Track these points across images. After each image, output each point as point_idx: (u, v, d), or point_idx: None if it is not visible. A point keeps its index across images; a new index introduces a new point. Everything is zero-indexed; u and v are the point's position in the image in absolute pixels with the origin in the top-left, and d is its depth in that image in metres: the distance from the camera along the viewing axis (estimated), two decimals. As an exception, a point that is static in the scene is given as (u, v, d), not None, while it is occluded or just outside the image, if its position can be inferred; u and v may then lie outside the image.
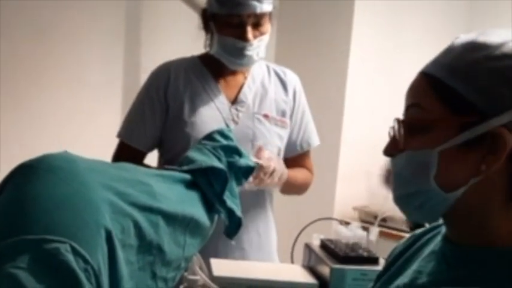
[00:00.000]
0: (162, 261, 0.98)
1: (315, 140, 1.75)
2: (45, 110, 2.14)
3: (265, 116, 1.65)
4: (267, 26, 1.58)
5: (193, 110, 1.61)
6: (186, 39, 2.30)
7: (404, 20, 2.80)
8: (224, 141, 1.27)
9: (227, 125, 1.60)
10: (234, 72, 1.66)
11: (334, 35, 2.79)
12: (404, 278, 0.75)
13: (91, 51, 2.27)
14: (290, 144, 1.71)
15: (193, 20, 2.08)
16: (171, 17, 2.50)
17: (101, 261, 0.81)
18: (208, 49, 1.66)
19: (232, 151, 1.26)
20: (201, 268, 1.22)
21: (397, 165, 0.73)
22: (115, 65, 2.41)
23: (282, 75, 1.72)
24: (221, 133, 1.31)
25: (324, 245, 1.42)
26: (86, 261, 0.78)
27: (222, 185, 1.15)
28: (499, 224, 0.68)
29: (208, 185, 1.14)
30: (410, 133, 0.72)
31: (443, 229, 0.75)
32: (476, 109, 0.67)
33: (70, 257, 0.77)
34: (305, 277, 1.35)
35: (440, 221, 0.76)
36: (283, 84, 1.71)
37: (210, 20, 1.60)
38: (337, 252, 1.33)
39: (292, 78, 1.73)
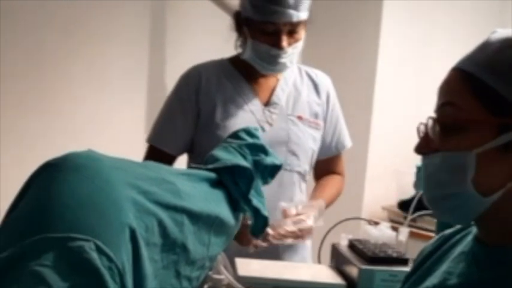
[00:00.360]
0: (186, 260, 0.97)
1: (347, 142, 1.74)
2: (69, 108, 2.16)
3: (299, 118, 1.64)
4: (302, 33, 1.56)
5: (226, 113, 1.60)
6: (211, 38, 2.30)
7: (433, 17, 2.75)
8: (250, 140, 1.26)
9: (262, 128, 1.58)
10: (265, 75, 1.64)
11: (363, 34, 2.76)
12: (433, 279, 0.73)
13: (115, 50, 2.29)
14: (323, 147, 1.69)
15: (219, 19, 2.08)
16: (196, 15, 2.51)
17: (125, 260, 0.81)
18: (239, 50, 1.64)
19: (258, 149, 1.24)
20: (225, 267, 1.21)
21: (430, 166, 0.71)
22: (139, 64, 2.42)
23: (314, 77, 1.71)
24: (247, 131, 1.30)
25: (352, 245, 1.40)
26: (110, 259, 0.78)
27: (248, 184, 1.14)
28: None
29: (234, 183, 1.13)
30: (445, 132, 0.70)
31: (474, 230, 0.73)
32: None
33: (94, 255, 0.77)
34: (332, 278, 1.33)
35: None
36: (316, 87, 1.69)
37: (243, 24, 1.58)
38: (366, 253, 1.30)
39: (325, 80, 1.72)
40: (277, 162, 1.26)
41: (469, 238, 0.73)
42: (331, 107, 1.70)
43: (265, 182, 1.24)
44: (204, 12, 2.47)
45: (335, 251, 1.45)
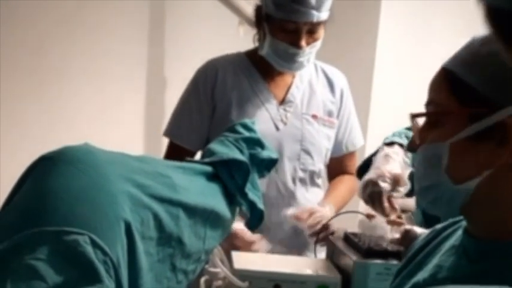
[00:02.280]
0: (182, 254, 0.97)
1: (359, 141, 1.73)
2: (68, 104, 2.16)
3: (314, 117, 1.64)
4: (321, 33, 1.56)
5: (241, 109, 1.60)
6: (211, 35, 2.30)
7: (431, 17, 2.75)
8: (246, 133, 1.26)
9: (276, 126, 1.58)
10: (282, 72, 1.64)
11: (361, 33, 2.76)
12: (424, 273, 0.74)
13: (115, 47, 2.28)
14: (336, 145, 1.69)
15: (219, 16, 2.08)
16: (195, 13, 2.50)
17: (120, 253, 0.82)
18: (257, 45, 1.64)
19: (255, 143, 1.25)
20: (221, 261, 1.21)
21: (415, 161, 0.74)
22: (139, 61, 2.42)
23: (330, 75, 1.70)
24: (243, 125, 1.30)
25: (347, 239, 1.40)
26: (104, 253, 0.78)
27: (244, 177, 1.15)
28: None
29: (230, 177, 1.13)
30: (427, 128, 0.73)
31: (464, 223, 0.74)
32: (486, 101, 0.67)
33: (89, 249, 0.77)
34: (328, 271, 1.34)
35: (461, 216, 0.75)
36: (330, 84, 1.69)
37: (263, 20, 1.57)
38: (361, 246, 1.31)
39: (340, 78, 1.71)
40: (273, 156, 1.26)
41: (460, 232, 0.74)
42: (345, 105, 1.69)
43: (262, 175, 1.25)
44: (204, 9, 2.46)
45: (331, 244, 1.45)
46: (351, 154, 1.73)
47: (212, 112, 1.61)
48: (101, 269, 0.77)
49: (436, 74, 0.74)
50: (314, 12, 1.49)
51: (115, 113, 2.29)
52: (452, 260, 0.72)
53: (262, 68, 1.63)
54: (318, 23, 1.52)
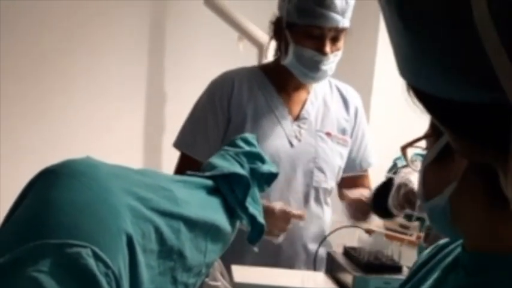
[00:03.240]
0: (183, 267, 0.98)
1: (372, 159, 1.72)
2: (68, 114, 2.17)
3: (328, 134, 1.63)
4: (342, 42, 1.56)
5: (256, 124, 1.58)
6: (210, 45, 2.31)
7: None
8: (247, 147, 1.27)
9: (290, 143, 1.58)
10: (297, 87, 1.63)
11: (361, 38, 2.77)
12: (425, 288, 0.74)
13: (115, 56, 2.30)
14: (349, 163, 1.68)
15: (218, 26, 2.09)
16: (195, 23, 2.52)
17: (122, 266, 0.82)
18: (271, 59, 1.64)
19: (255, 157, 1.25)
20: (222, 274, 1.22)
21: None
22: (138, 70, 2.43)
23: (344, 92, 1.69)
24: (244, 139, 1.30)
25: (346, 253, 1.41)
26: (107, 265, 0.79)
27: (244, 191, 1.15)
28: (497, 228, 0.66)
29: (230, 191, 1.14)
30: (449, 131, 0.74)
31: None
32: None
33: (91, 262, 0.77)
34: (327, 285, 1.34)
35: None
36: (345, 102, 1.68)
37: (285, 29, 1.56)
38: (360, 260, 1.31)
39: (354, 96, 1.70)
40: (273, 170, 1.27)
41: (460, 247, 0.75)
42: (359, 123, 1.68)
43: (262, 189, 1.25)
44: (203, 25, 2.49)
45: (330, 258, 1.46)
46: (365, 172, 1.72)
47: (227, 125, 1.59)
48: (103, 281, 0.78)
49: None
50: (339, 17, 1.49)
51: (115, 127, 2.30)
52: (452, 275, 0.72)
53: (278, 83, 1.62)
54: (341, 30, 1.52)
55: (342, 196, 1.73)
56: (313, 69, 1.54)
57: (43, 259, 0.76)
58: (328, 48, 1.52)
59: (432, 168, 0.69)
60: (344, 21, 1.51)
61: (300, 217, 1.43)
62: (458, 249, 0.76)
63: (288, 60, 1.56)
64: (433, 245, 0.84)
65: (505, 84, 0.29)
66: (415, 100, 0.40)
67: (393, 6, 0.35)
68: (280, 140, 1.55)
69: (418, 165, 1.17)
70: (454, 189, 0.67)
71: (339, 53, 1.56)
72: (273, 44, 2.22)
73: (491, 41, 0.29)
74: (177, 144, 1.65)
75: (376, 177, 2.29)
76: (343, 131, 1.66)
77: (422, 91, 0.38)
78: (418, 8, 0.33)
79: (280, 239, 1.42)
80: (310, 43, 1.52)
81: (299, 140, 1.59)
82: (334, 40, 1.53)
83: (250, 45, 2.30)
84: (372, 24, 2.69)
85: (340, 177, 1.68)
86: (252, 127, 1.57)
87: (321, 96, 1.66)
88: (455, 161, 0.66)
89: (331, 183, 1.65)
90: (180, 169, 1.60)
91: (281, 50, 1.60)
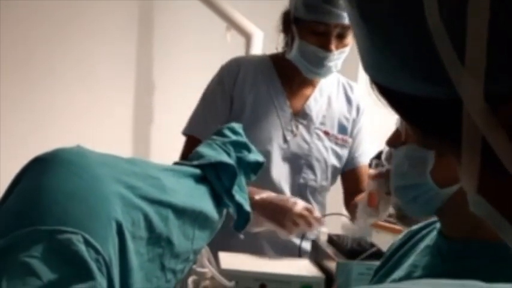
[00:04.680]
0: (171, 254, 1.00)
1: (368, 158, 1.69)
2: (58, 105, 2.18)
3: (326, 133, 1.62)
4: (350, 39, 1.55)
5: (254, 112, 1.59)
6: (199, 37, 2.33)
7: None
8: (233, 137, 1.29)
9: (284, 137, 1.58)
10: (303, 82, 1.62)
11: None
12: (400, 272, 0.77)
13: (104, 48, 2.31)
14: (349, 160, 1.67)
15: (207, 18, 2.10)
16: (184, 15, 2.53)
17: (112, 252, 0.84)
18: (282, 50, 1.62)
19: (242, 146, 1.28)
20: (209, 261, 1.24)
21: (397, 157, 0.75)
22: (127, 61, 2.44)
23: (349, 91, 1.68)
24: (231, 129, 1.33)
25: (331, 240, 1.44)
26: (97, 251, 0.81)
27: (231, 180, 1.17)
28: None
29: (217, 179, 1.16)
30: (411, 127, 0.73)
31: (438, 225, 0.77)
32: None
33: (82, 248, 0.79)
34: (312, 271, 1.37)
35: (435, 218, 0.78)
36: (349, 101, 1.67)
37: (292, 23, 1.56)
38: (344, 247, 1.35)
39: (358, 95, 1.69)
40: (259, 159, 1.29)
41: (434, 233, 0.77)
42: (361, 123, 1.67)
43: (248, 178, 1.28)
44: (192, 11, 2.49)
45: (315, 245, 1.49)
46: (361, 168, 1.70)
47: (231, 106, 1.60)
48: (94, 266, 0.80)
49: None
50: (345, 14, 1.50)
51: (104, 117, 2.31)
52: (427, 260, 0.74)
53: (285, 75, 1.62)
54: (348, 27, 1.51)
55: (347, 205, 1.72)
56: (317, 65, 1.54)
57: (35, 245, 0.78)
58: (333, 45, 1.52)
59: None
60: None
61: (319, 221, 1.44)
62: (432, 235, 0.78)
63: (292, 55, 1.57)
64: (406, 230, 0.87)
65: (455, 80, 0.31)
66: (378, 94, 0.42)
67: None
68: (275, 132, 1.55)
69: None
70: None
71: (346, 49, 1.55)
72: (261, 35, 2.24)
73: (442, 38, 0.31)
74: (188, 129, 1.64)
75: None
76: (344, 131, 1.65)
77: (382, 85, 0.39)
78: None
79: (291, 236, 1.43)
80: (315, 39, 1.52)
81: (294, 135, 1.59)
82: (340, 37, 1.53)
83: (238, 36, 2.31)
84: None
85: (339, 177, 1.67)
86: (250, 114, 1.58)
87: (326, 94, 1.65)
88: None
89: (321, 183, 1.64)
90: (187, 154, 1.61)
91: (288, 44, 1.60)
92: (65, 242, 0.79)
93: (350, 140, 1.66)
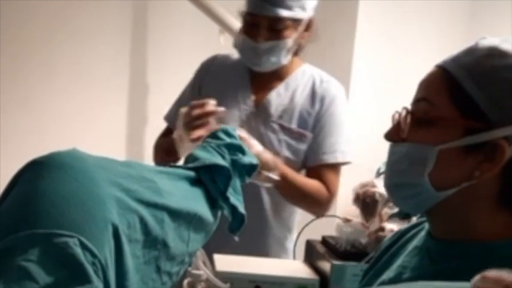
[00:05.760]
0: (166, 256, 1.00)
1: (341, 156, 1.65)
2: (52, 105, 2.18)
3: (282, 127, 1.63)
4: (288, 32, 1.56)
5: (218, 101, 1.57)
6: (192, 37, 2.33)
7: (407, 17, 2.81)
8: (228, 139, 1.30)
9: (240, 127, 1.57)
10: (271, 76, 1.65)
11: (339, 32, 2.81)
12: (390, 273, 0.78)
13: (98, 48, 2.31)
14: (311, 156, 1.66)
15: (200, 18, 2.11)
16: (177, 15, 2.53)
17: (108, 255, 0.84)
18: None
19: (236, 149, 1.28)
20: (204, 263, 1.25)
21: (395, 153, 0.75)
22: (121, 62, 2.44)
23: (317, 85, 1.66)
24: (225, 131, 1.34)
25: (325, 242, 1.45)
26: (93, 255, 0.81)
27: (226, 182, 1.18)
28: (482, 223, 0.70)
29: (212, 182, 1.16)
30: (416, 125, 0.73)
31: (427, 225, 0.78)
32: (484, 116, 0.68)
33: (78, 251, 0.80)
34: (306, 273, 1.38)
35: (424, 218, 0.79)
36: (313, 95, 1.66)
37: (240, 16, 1.66)
38: (338, 249, 1.35)
39: (326, 88, 1.67)
40: (254, 161, 1.30)
41: (423, 233, 0.78)
42: (325, 117, 1.65)
43: (243, 180, 1.28)
44: (185, 11, 2.50)
45: (309, 247, 1.50)
46: (325, 168, 1.67)
47: (198, 96, 1.65)
48: (90, 270, 0.80)
49: (433, 72, 0.74)
50: (273, 7, 1.52)
51: (98, 118, 2.31)
52: (416, 261, 0.75)
53: (255, 71, 1.67)
54: (278, 20, 1.53)
55: None
56: (248, 55, 1.59)
57: (31, 248, 0.78)
58: (260, 36, 1.55)
59: (450, 156, 0.69)
60: (279, 11, 1.52)
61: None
62: (420, 235, 0.79)
63: (236, 47, 1.65)
64: (395, 231, 0.87)
65: None
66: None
67: None
68: (232, 121, 1.59)
69: None
70: (469, 185, 0.68)
71: (282, 43, 1.56)
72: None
73: None
74: (164, 117, 1.76)
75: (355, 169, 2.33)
76: (304, 126, 1.64)
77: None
78: None
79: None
80: (247, 30, 1.59)
81: (249, 126, 1.60)
82: (274, 29, 1.55)
83: (231, 39, 2.32)
84: (350, 16, 2.72)
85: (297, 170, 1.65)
86: (211, 94, 1.59)
87: (292, 88, 1.67)
88: (467, 160, 0.68)
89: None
90: (159, 139, 1.71)
91: None
92: (61, 245, 0.79)
93: (310, 134, 1.64)
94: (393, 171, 0.75)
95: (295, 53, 1.68)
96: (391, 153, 0.76)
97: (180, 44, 2.47)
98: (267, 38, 1.55)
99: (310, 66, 1.74)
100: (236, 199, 1.20)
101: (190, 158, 1.21)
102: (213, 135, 1.32)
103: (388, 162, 0.76)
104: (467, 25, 2.79)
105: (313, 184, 1.65)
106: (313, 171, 1.66)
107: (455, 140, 0.69)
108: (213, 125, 1.40)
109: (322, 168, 1.66)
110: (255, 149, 1.40)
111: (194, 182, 1.13)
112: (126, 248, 0.89)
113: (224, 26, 2.26)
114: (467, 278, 0.45)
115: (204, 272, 1.23)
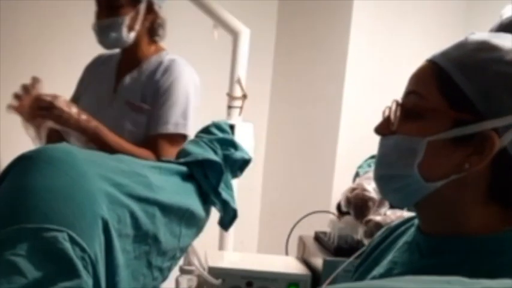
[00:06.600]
0: (157, 251, 1.00)
1: (165, 128, 1.73)
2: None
3: (128, 103, 1.74)
4: (126, 10, 1.70)
5: (88, 86, 1.84)
6: (185, 31, 2.32)
7: (402, 12, 2.81)
8: (220, 134, 1.30)
9: (97, 109, 1.73)
10: (131, 63, 1.78)
11: (333, 27, 2.80)
12: (380, 269, 0.77)
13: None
14: (148, 126, 1.74)
15: (199, 14, 2.10)
16: (170, 10, 2.52)
17: (98, 250, 0.84)
18: None
19: (228, 144, 1.28)
20: (196, 258, 1.24)
21: (384, 146, 0.75)
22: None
23: (164, 64, 1.78)
24: (217, 126, 1.33)
25: (317, 238, 1.45)
26: (83, 249, 0.81)
27: (218, 177, 1.18)
28: (471, 217, 0.70)
29: (204, 177, 1.16)
30: (405, 117, 0.73)
31: (417, 221, 0.78)
32: (473, 108, 0.68)
33: (67, 245, 0.79)
34: (298, 268, 1.38)
35: (414, 213, 0.78)
36: (156, 72, 1.77)
37: None
38: (330, 245, 1.35)
39: (168, 67, 1.76)
40: (246, 156, 1.30)
41: (413, 229, 0.78)
42: (162, 92, 1.73)
43: (235, 175, 1.28)
44: (179, 6, 2.49)
45: (302, 243, 1.49)
46: (160, 137, 1.73)
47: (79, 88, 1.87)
48: (79, 265, 0.79)
49: (423, 66, 0.74)
50: None
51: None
52: (406, 256, 0.75)
53: (123, 60, 1.81)
54: None
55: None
56: (98, 34, 1.73)
57: (20, 243, 0.77)
58: (102, 15, 1.70)
59: (439, 147, 0.69)
60: None
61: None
62: (410, 231, 0.79)
63: None
64: (385, 227, 0.87)
65: None
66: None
67: None
68: (96, 107, 1.73)
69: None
70: (459, 178, 0.68)
71: (119, 20, 1.69)
72: (248, 32, 2.24)
73: None
74: None
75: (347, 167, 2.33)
76: (144, 99, 1.74)
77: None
78: None
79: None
80: (95, 12, 1.74)
81: (106, 109, 1.74)
82: (111, 6, 1.70)
83: (225, 33, 2.31)
84: (345, 11, 2.72)
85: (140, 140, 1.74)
86: (85, 89, 1.82)
87: (143, 71, 1.78)
88: (456, 152, 0.68)
89: None
90: None
91: None
92: (50, 240, 0.78)
93: (148, 107, 1.73)
94: (382, 164, 0.75)
95: (152, 39, 1.80)
96: (381, 146, 0.75)
97: (173, 39, 2.46)
98: (107, 16, 1.69)
99: (170, 54, 1.83)
100: (228, 194, 1.20)
101: (183, 153, 1.20)
102: (205, 130, 1.31)
103: (377, 155, 0.76)
104: (462, 25, 2.79)
105: (137, 149, 1.73)
106: (149, 141, 1.75)
107: (444, 131, 0.69)
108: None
109: (155, 138, 1.73)
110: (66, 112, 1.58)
111: (186, 177, 1.13)
112: (116, 242, 0.88)
113: (218, 20, 2.26)
114: (456, 272, 0.45)
115: (195, 267, 1.23)
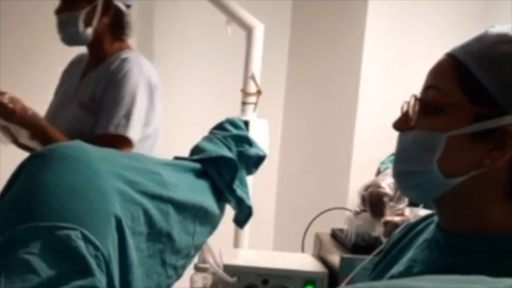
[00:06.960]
0: (171, 249, 0.99)
1: (105, 128, 1.67)
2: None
3: (79, 103, 1.74)
4: (82, 5, 1.69)
5: (58, 88, 1.86)
6: (199, 28, 2.30)
7: (417, 11, 2.78)
8: (234, 131, 1.28)
9: (56, 110, 1.76)
10: (96, 63, 1.76)
11: (349, 29, 2.78)
12: (399, 267, 0.76)
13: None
14: (96, 126, 1.71)
15: (207, 13, 2.08)
16: (184, 6, 2.51)
17: (111, 248, 0.83)
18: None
19: (243, 140, 1.27)
20: (211, 256, 1.23)
21: (404, 141, 0.74)
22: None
23: (115, 63, 1.72)
24: (232, 122, 1.32)
25: (334, 235, 1.43)
26: (96, 247, 0.80)
27: (232, 174, 1.17)
28: (492, 214, 0.68)
29: (218, 174, 1.15)
30: (424, 112, 0.72)
31: (436, 218, 0.76)
32: (494, 102, 0.67)
33: (81, 244, 0.78)
34: (315, 266, 1.36)
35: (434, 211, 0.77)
36: (108, 71, 1.73)
37: None
38: (347, 242, 1.33)
39: (118, 67, 1.71)
40: (261, 153, 1.28)
41: (432, 226, 0.76)
42: (109, 93, 1.69)
43: (250, 172, 1.27)
44: (192, 5, 2.48)
45: (318, 240, 1.48)
46: (102, 137, 1.66)
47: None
48: (93, 263, 0.79)
49: (442, 60, 0.73)
50: None
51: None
52: (426, 254, 0.73)
53: (92, 60, 1.79)
54: None
55: None
56: (58, 31, 1.72)
57: (34, 241, 0.77)
58: (60, 9, 1.70)
59: (459, 143, 0.68)
60: None
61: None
62: (430, 228, 0.77)
63: None
64: (404, 224, 0.85)
65: None
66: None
67: None
68: (52, 107, 1.76)
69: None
70: (479, 174, 0.67)
71: (79, 13, 1.68)
72: (262, 27, 2.23)
73: None
74: None
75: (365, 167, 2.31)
76: (93, 100, 1.72)
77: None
78: None
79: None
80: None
81: (65, 108, 1.75)
82: (68, 1, 1.69)
83: (239, 29, 2.30)
84: (360, 13, 2.69)
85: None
86: (55, 91, 1.84)
87: (101, 70, 1.75)
88: (476, 147, 0.67)
89: None
90: None
91: None
92: (63, 238, 0.78)
93: (96, 106, 1.71)
94: (401, 159, 0.73)
95: (117, 37, 1.76)
96: (399, 141, 0.74)
97: (187, 36, 2.46)
98: (63, 10, 1.69)
99: (133, 53, 1.77)
100: (243, 191, 1.19)
101: (196, 150, 1.19)
102: (220, 126, 1.30)
103: (396, 151, 0.74)
104: (480, 25, 2.74)
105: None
106: (92, 142, 1.72)
107: (464, 126, 0.67)
108: None
109: (97, 138, 1.65)
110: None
111: (200, 174, 1.12)
112: (130, 240, 0.88)
113: (231, 16, 2.24)
114: (477, 271, 0.43)
115: (210, 265, 1.22)
